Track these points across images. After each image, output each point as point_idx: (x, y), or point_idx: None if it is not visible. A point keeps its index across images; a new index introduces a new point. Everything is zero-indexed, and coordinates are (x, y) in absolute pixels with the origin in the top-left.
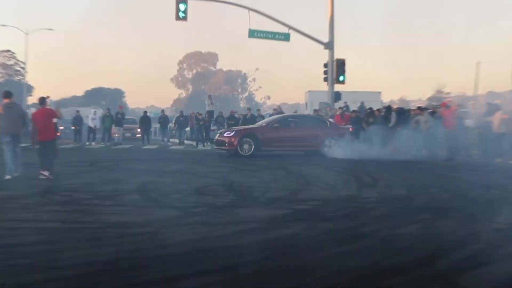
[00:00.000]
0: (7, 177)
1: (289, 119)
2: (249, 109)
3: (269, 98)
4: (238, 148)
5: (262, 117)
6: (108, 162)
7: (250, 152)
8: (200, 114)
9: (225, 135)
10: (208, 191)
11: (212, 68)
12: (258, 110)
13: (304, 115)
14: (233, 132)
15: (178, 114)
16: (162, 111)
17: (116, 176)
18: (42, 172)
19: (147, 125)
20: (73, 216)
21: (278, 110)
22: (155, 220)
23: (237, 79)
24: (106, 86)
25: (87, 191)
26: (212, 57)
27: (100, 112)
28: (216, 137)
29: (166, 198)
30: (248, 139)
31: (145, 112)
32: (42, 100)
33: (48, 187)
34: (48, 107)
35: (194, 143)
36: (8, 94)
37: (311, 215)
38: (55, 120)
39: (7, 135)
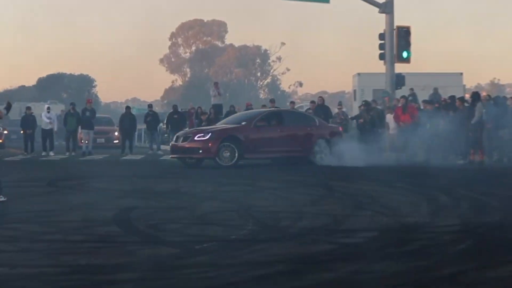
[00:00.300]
0: None
1: (281, 114)
2: (272, 101)
3: (300, 85)
4: (217, 156)
5: None
6: (73, 180)
7: (233, 161)
8: (203, 111)
9: (196, 138)
10: (217, 219)
11: (219, 43)
12: (292, 102)
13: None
14: (210, 134)
15: (171, 110)
16: (149, 106)
17: (86, 199)
18: None
19: (130, 127)
20: (25, 258)
21: (319, 102)
22: (142, 262)
23: (254, 59)
24: (68, 71)
25: (44, 222)
26: (218, 28)
27: (59, 108)
28: (175, 142)
29: (158, 230)
30: (229, 143)
31: (128, 108)
32: None
33: None
34: None
35: None
36: None
37: (364, 251)
38: None
39: None
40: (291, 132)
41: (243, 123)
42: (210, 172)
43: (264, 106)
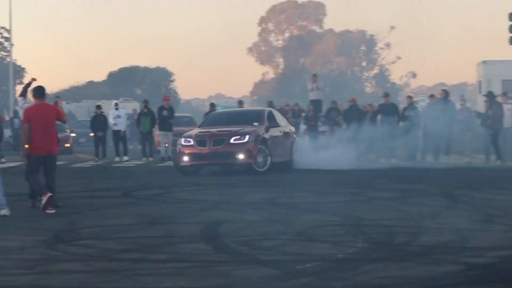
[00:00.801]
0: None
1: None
2: (386, 95)
3: (414, 76)
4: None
5: (415, 110)
6: (152, 190)
7: (267, 166)
8: (300, 108)
9: (233, 141)
10: (320, 235)
11: (317, 28)
12: (409, 97)
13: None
14: (248, 137)
15: (265, 107)
16: (239, 102)
17: (167, 212)
18: (50, 208)
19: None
20: (101, 280)
21: (441, 96)
22: (236, 285)
23: (358, 46)
24: (142, 64)
25: (121, 238)
26: (315, 10)
27: (132, 106)
28: (194, 145)
29: (252, 247)
30: (262, 146)
31: (212, 105)
32: (40, 92)
33: (58, 232)
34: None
35: None
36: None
37: (499, 274)
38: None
39: None
40: None
41: (255, 123)
42: (307, 180)
43: (386, 96)
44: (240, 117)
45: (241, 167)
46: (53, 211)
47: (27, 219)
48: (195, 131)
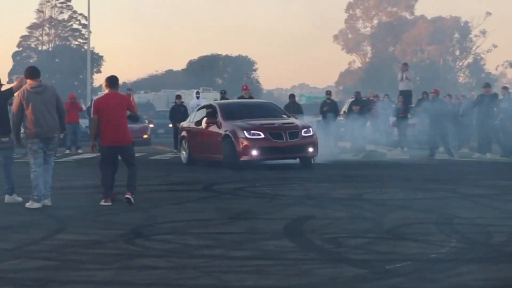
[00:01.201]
0: (35, 205)
1: None
2: (487, 85)
3: (511, 65)
4: None
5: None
6: (233, 183)
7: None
8: (389, 98)
9: (304, 134)
10: (411, 233)
11: (407, 14)
12: (505, 88)
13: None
14: (311, 128)
15: (351, 98)
16: (327, 93)
17: (249, 206)
18: (105, 200)
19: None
20: (182, 276)
21: None
22: (322, 285)
23: (452, 33)
24: (223, 53)
25: (201, 234)
26: None
27: (212, 96)
28: (259, 137)
29: (338, 245)
30: None
31: (292, 96)
32: (113, 81)
33: (137, 227)
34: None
35: (380, 148)
36: (33, 73)
37: None
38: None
39: (34, 138)
40: None
41: (284, 116)
42: (397, 175)
43: (487, 86)
44: (257, 109)
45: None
46: (109, 204)
47: (104, 212)
48: (247, 123)
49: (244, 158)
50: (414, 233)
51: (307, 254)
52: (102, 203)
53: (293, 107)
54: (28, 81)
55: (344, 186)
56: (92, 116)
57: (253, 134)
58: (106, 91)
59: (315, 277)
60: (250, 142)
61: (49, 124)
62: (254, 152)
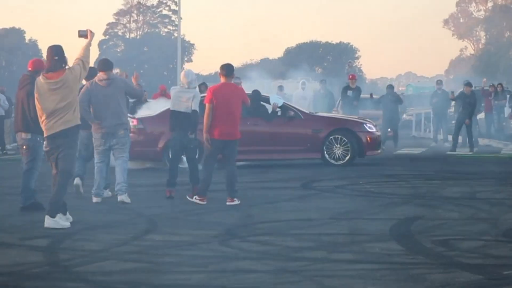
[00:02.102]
0: (94, 200)
1: None
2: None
3: None
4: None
5: None
6: (334, 181)
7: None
8: (504, 88)
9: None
10: None
11: None
12: None
13: None
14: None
15: (462, 89)
16: (438, 83)
17: (352, 206)
18: (197, 198)
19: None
20: (283, 281)
21: None
22: None
23: None
24: (323, 40)
25: (301, 235)
26: None
27: (312, 87)
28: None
29: (450, 248)
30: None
31: (391, 87)
32: (228, 69)
33: (232, 227)
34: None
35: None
36: (106, 65)
37: None
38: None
39: (95, 133)
40: None
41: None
42: (507, 172)
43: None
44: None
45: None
46: (204, 203)
47: (194, 211)
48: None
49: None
50: None
51: (416, 258)
52: (199, 202)
53: (389, 98)
54: (99, 73)
55: (455, 184)
56: (205, 104)
57: (374, 128)
58: (222, 80)
59: (425, 283)
60: (376, 136)
61: (111, 119)
62: (379, 148)
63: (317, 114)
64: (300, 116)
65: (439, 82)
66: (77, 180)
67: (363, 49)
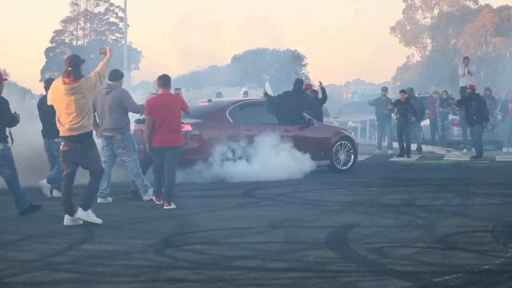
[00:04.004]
0: (99, 200)
1: None
2: (384, 89)
3: None
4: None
5: None
6: (276, 188)
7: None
8: (448, 95)
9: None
10: (463, 242)
11: (471, 4)
12: None
13: None
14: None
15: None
16: (383, 89)
17: (290, 214)
18: (157, 199)
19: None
20: None
21: None
22: None
23: None
24: (270, 47)
25: (236, 244)
26: None
27: (258, 94)
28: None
29: (384, 255)
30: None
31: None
32: (165, 80)
33: (168, 236)
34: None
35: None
36: (111, 74)
37: None
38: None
39: (102, 136)
40: None
41: None
42: (454, 179)
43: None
44: None
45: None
46: (160, 202)
47: (133, 220)
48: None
49: None
50: (467, 242)
51: (349, 266)
52: (157, 201)
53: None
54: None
55: (395, 191)
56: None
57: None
58: (160, 91)
59: None
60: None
61: (108, 124)
62: None
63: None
64: (314, 124)
65: (384, 89)
66: (44, 182)
67: (310, 56)
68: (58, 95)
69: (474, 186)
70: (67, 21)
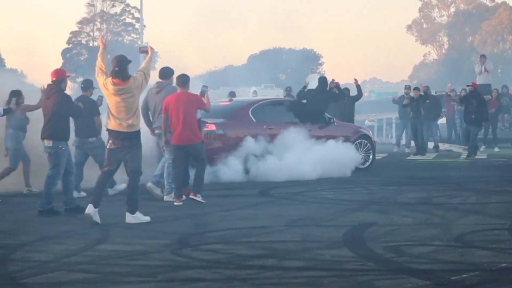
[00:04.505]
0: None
1: None
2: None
3: None
4: None
5: None
6: (292, 188)
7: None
8: (466, 92)
9: None
10: (481, 240)
11: (487, 2)
12: None
13: None
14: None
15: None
16: (407, 87)
17: (307, 213)
18: (177, 200)
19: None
20: None
21: None
22: None
23: None
24: (287, 46)
25: (253, 243)
26: None
27: (275, 93)
28: None
29: (401, 254)
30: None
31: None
32: (183, 80)
33: (184, 236)
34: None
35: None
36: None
37: None
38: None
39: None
40: None
41: None
42: (471, 177)
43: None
44: None
45: None
46: (180, 203)
47: (151, 220)
48: None
49: None
50: (484, 240)
51: (366, 264)
52: (175, 203)
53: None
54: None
55: (412, 190)
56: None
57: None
58: (178, 90)
59: None
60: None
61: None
62: None
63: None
64: (334, 123)
65: (408, 87)
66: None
67: (326, 55)
68: (108, 94)
69: (491, 184)
70: (83, 22)
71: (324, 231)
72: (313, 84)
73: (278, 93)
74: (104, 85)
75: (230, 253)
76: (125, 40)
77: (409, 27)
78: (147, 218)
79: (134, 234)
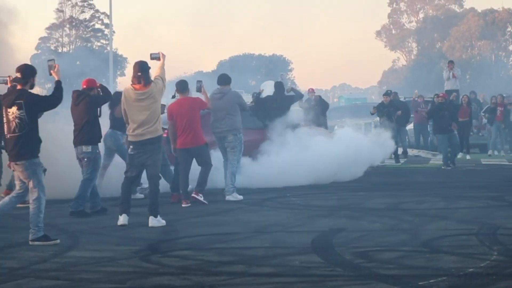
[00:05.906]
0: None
1: None
2: (388, 94)
3: None
4: None
5: None
6: (263, 194)
7: None
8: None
9: None
10: (449, 246)
11: (456, 7)
12: None
13: None
14: None
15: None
16: (388, 93)
17: (277, 219)
18: (184, 202)
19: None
20: None
21: None
22: None
23: (505, 27)
24: (256, 52)
25: (222, 249)
26: None
27: (244, 99)
28: None
29: (369, 259)
30: None
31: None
32: (182, 86)
33: (154, 242)
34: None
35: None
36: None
37: None
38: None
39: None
40: None
41: None
42: (440, 182)
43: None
44: None
45: None
46: (188, 205)
47: (121, 226)
48: None
49: None
50: (452, 245)
51: (335, 270)
52: (183, 204)
53: None
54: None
55: (381, 195)
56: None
57: None
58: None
59: None
60: None
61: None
62: None
63: None
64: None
65: (388, 93)
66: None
67: (296, 61)
68: (131, 103)
69: (459, 190)
70: (52, 28)
71: (294, 237)
72: (267, 91)
73: (247, 99)
74: (127, 96)
75: (200, 259)
76: (94, 46)
77: (378, 33)
78: (164, 222)
79: (103, 240)
